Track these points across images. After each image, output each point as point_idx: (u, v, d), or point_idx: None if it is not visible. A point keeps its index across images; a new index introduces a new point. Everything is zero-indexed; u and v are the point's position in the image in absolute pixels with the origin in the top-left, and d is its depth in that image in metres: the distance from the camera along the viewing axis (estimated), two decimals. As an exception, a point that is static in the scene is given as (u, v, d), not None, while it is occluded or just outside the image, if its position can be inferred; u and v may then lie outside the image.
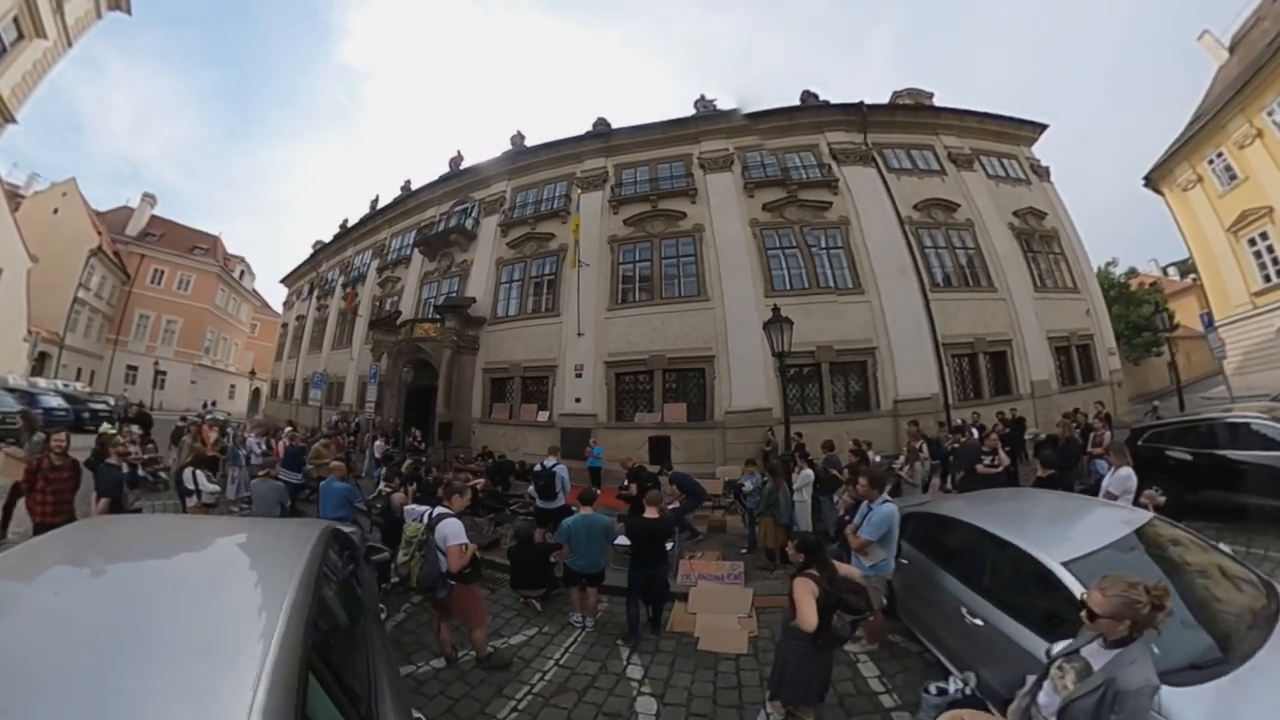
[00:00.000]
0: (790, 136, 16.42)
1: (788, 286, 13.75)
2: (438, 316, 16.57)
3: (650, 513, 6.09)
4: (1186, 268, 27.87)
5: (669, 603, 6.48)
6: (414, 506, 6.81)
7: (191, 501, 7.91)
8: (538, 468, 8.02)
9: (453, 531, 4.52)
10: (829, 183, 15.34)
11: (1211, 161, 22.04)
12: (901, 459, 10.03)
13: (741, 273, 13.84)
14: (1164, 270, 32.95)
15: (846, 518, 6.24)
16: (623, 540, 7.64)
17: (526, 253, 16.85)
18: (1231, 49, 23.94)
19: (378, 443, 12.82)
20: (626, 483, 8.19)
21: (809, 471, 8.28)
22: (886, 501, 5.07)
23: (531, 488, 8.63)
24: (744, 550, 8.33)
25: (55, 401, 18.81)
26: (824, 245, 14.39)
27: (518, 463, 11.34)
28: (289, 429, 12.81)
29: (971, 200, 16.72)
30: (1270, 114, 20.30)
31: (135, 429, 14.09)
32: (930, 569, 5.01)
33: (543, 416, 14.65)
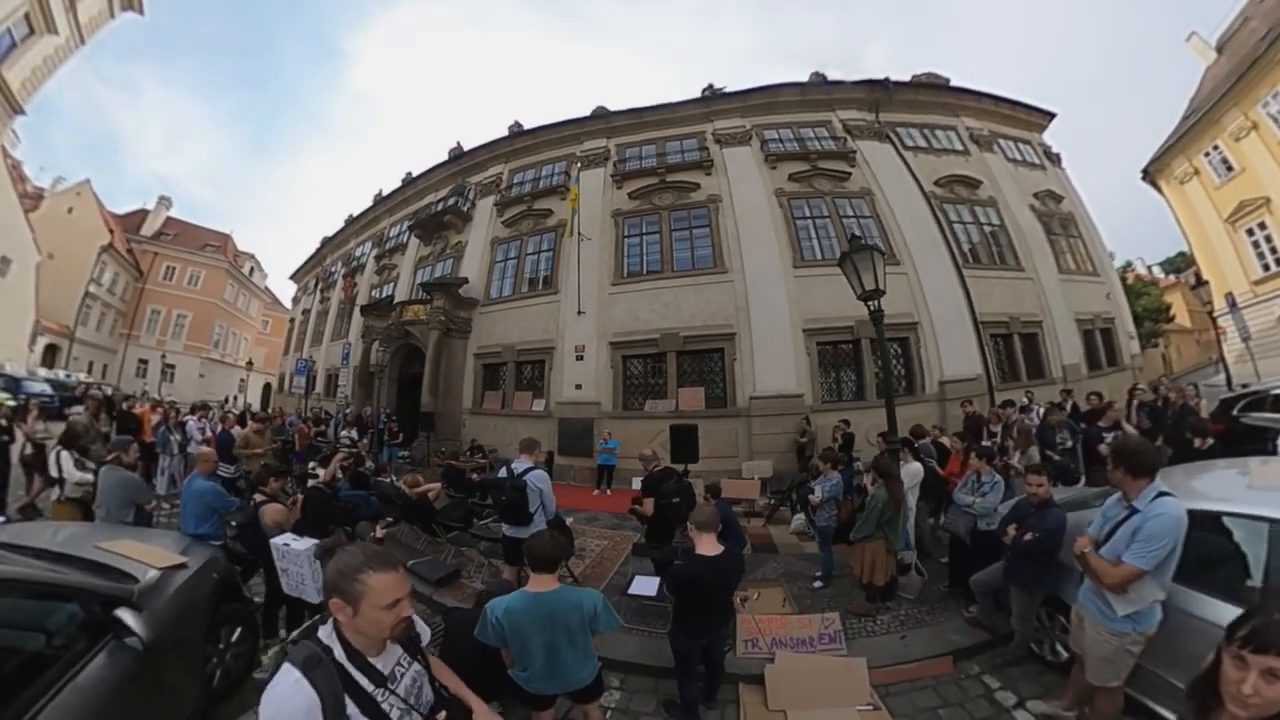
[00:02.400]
0: (804, 112, 13.44)
1: (819, 256, 10.70)
2: (426, 297, 13.32)
3: (706, 545, 2.97)
4: (1172, 266, 25.54)
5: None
6: (288, 540, 3.42)
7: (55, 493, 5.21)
8: (501, 473, 4.49)
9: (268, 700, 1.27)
10: (846, 154, 12.38)
11: (1208, 154, 19.58)
12: (1006, 443, 6.90)
13: (765, 243, 10.72)
14: (1149, 269, 30.43)
15: (1028, 535, 3.53)
16: (643, 589, 4.49)
17: (523, 230, 13.63)
18: (1219, 49, 21.54)
19: (344, 433, 9.57)
20: (641, 498, 4.87)
21: (916, 465, 5.21)
22: (1164, 495, 2.47)
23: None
24: (817, 583, 5.17)
25: (40, 387, 16.68)
26: (853, 214, 11.36)
27: (473, 469, 7.90)
28: (225, 410, 9.50)
29: (994, 180, 14.05)
30: (1265, 106, 18.15)
31: (79, 410, 10.88)
32: (1188, 601, 2.67)
33: (538, 406, 11.40)
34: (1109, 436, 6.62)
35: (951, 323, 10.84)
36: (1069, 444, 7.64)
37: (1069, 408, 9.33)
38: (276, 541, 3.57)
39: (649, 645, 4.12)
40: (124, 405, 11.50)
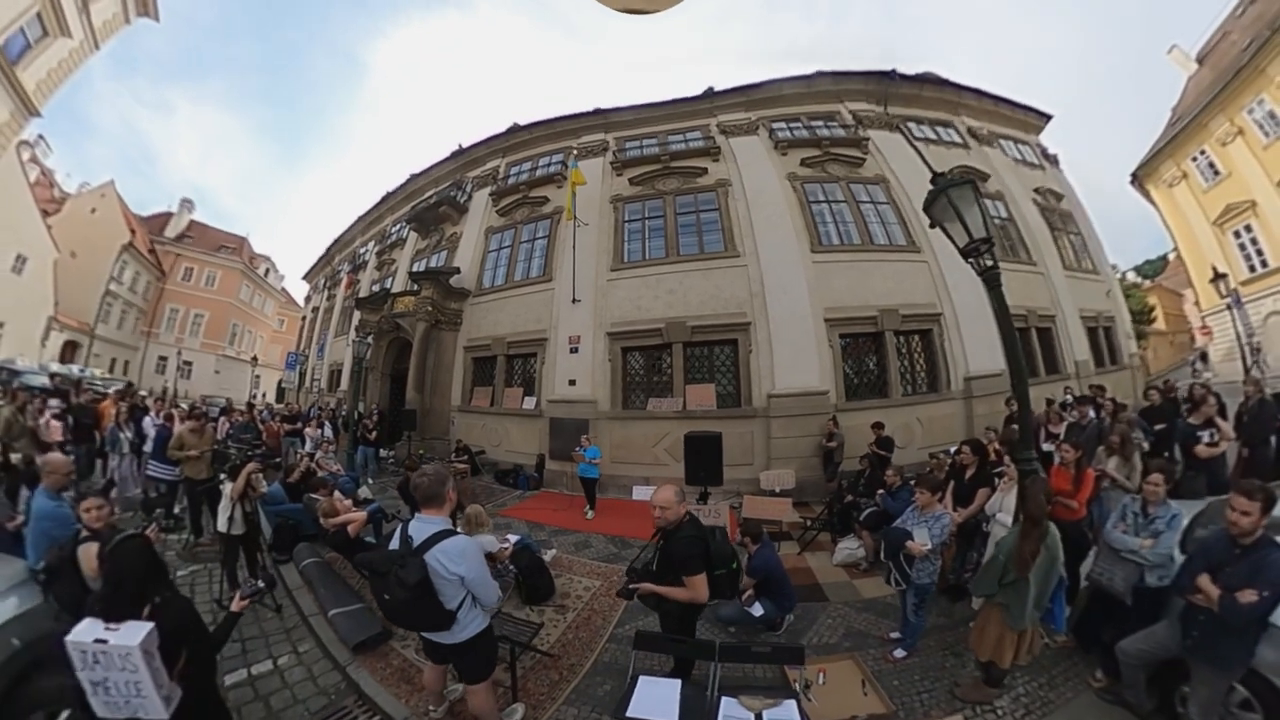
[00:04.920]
0: (810, 104, 11.49)
1: (836, 241, 8.72)
2: (415, 287, 11.27)
3: None
4: (1142, 273, 23.96)
5: None
6: (99, 634, 1.34)
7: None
8: (393, 542, 2.04)
9: None
10: (858, 141, 10.48)
11: (1195, 159, 17.93)
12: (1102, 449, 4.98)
13: (780, 227, 8.69)
14: (1123, 275, 28.70)
15: (1252, 595, 2.03)
16: (652, 709, 2.38)
17: (518, 218, 11.57)
18: (1200, 60, 19.96)
19: (308, 431, 7.55)
20: (681, 571, 2.46)
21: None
22: None
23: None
24: (898, 651, 3.17)
25: (40, 380, 14.29)
26: (869, 199, 9.43)
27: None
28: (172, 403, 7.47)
29: (999, 174, 12.22)
30: (1250, 112, 16.64)
31: (55, 403, 8.95)
32: None
33: (529, 404, 9.27)
34: (1205, 435, 4.92)
35: (975, 315, 8.91)
36: (1145, 445, 5.95)
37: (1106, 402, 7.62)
38: (79, 640, 1.68)
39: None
40: (81, 398, 9.49)
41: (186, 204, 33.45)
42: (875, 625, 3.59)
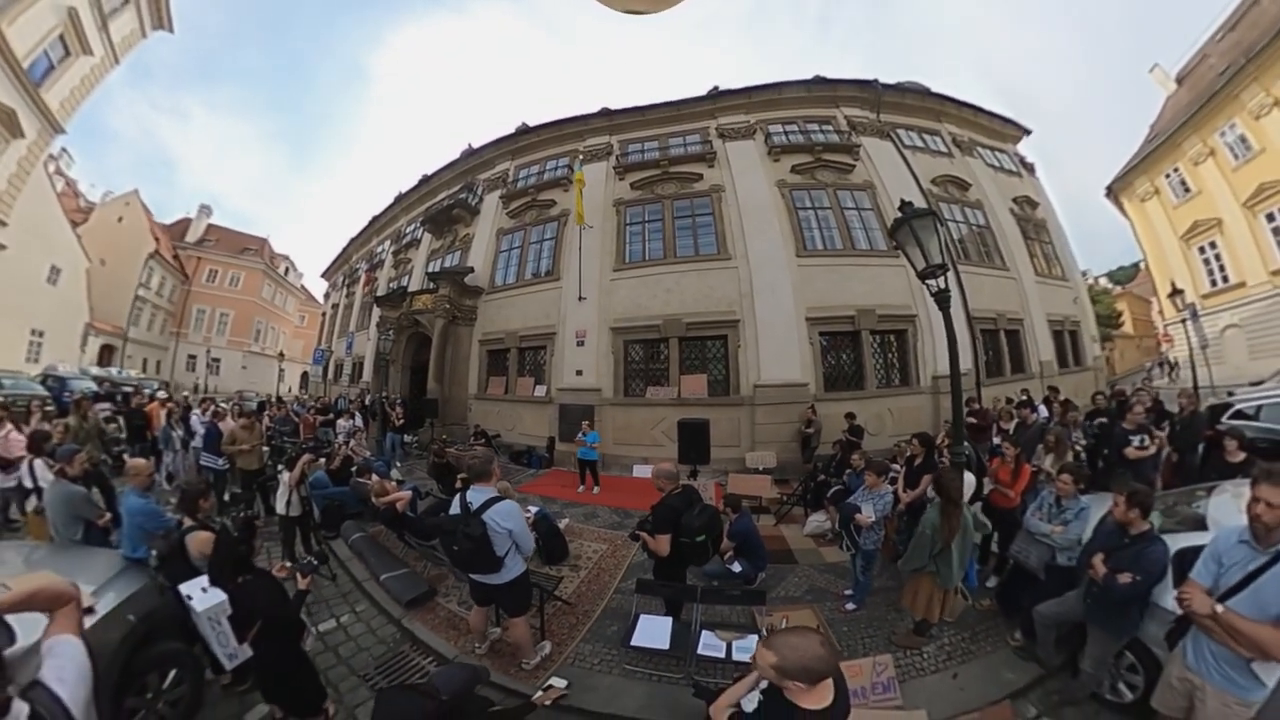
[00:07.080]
0: (808, 108, 11.75)
1: (821, 246, 9.15)
2: (433, 285, 11.71)
3: (816, 698, 1.12)
4: (1114, 279, 24.18)
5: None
6: (191, 591, 2.24)
7: (31, 504, 4.03)
8: (454, 508, 2.66)
9: None
10: (850, 148, 10.82)
11: (1168, 176, 18.23)
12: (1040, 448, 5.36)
13: (768, 232, 9.09)
14: (1096, 280, 29.01)
15: (1125, 577, 2.48)
16: (651, 639, 2.60)
17: (527, 220, 11.97)
18: (1179, 81, 20.13)
19: (341, 422, 7.98)
20: (649, 532, 3.03)
21: (969, 477, 3.70)
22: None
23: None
24: (849, 605, 3.67)
25: (84, 384, 14.83)
26: (854, 205, 9.83)
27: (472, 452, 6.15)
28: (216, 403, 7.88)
29: (979, 182, 12.51)
30: (1222, 135, 16.85)
31: (106, 406, 9.35)
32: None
33: (540, 391, 9.74)
34: (1135, 440, 5.10)
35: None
36: (1083, 441, 6.34)
37: (1057, 404, 7.99)
38: (183, 588, 2.30)
39: (661, 695, 2.64)
40: (131, 401, 9.88)
41: (205, 210, 33.66)
42: (834, 584, 4.07)
